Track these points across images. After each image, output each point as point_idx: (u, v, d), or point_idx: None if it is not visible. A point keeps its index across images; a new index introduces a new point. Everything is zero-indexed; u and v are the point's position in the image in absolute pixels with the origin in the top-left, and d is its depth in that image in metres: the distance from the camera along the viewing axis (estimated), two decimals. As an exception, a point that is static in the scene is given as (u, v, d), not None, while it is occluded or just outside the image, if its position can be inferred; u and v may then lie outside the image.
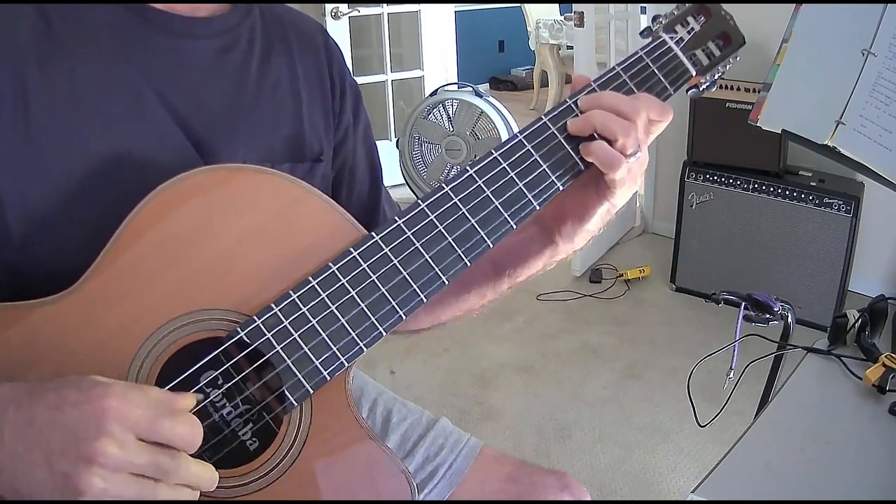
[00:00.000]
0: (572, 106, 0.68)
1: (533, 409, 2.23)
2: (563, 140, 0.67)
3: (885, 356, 0.99)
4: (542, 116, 0.68)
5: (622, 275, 2.96)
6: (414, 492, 0.65)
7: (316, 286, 0.61)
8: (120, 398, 0.50)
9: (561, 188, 0.67)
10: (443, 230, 0.64)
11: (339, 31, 3.56)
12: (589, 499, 0.91)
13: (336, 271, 0.62)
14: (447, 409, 2.21)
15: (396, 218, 0.64)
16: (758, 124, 1.13)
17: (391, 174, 3.74)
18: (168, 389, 0.58)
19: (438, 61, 4.05)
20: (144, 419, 0.50)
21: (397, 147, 3.67)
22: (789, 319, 1.27)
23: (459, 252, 0.64)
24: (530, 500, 0.88)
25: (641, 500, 1.87)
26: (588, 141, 0.66)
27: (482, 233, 0.65)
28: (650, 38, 0.73)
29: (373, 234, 0.63)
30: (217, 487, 0.55)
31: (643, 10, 3.23)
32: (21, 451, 0.49)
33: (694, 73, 0.73)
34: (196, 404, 0.57)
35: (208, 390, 0.60)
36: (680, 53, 0.73)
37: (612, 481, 1.93)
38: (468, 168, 0.66)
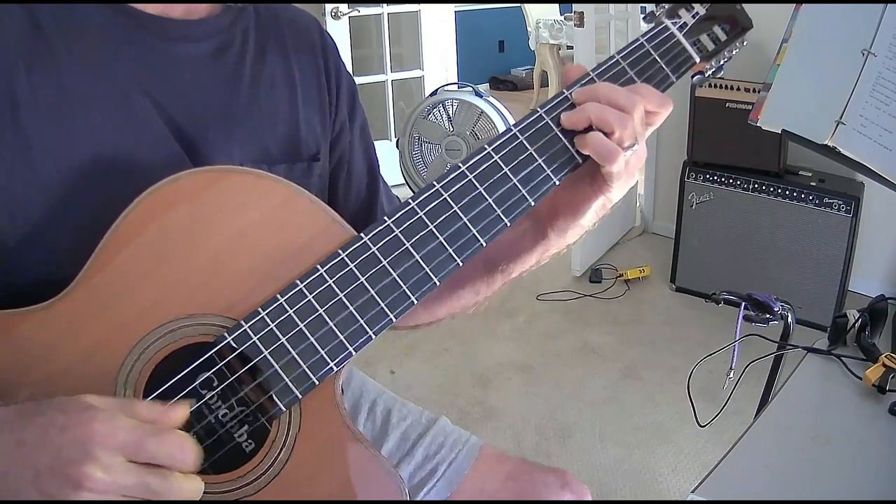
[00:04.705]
0: (569, 97, 0.65)
1: (533, 409, 2.23)
2: (559, 133, 0.65)
3: (885, 356, 0.99)
4: (538, 108, 0.65)
5: (622, 275, 2.96)
6: (405, 497, 0.64)
7: (303, 289, 0.60)
8: (106, 422, 0.49)
9: (557, 183, 0.65)
10: (433, 229, 0.62)
11: (339, 31, 3.56)
12: (590, 498, 0.91)
13: (324, 273, 0.60)
14: (447, 408, 2.21)
15: (386, 217, 0.62)
16: (758, 124, 1.13)
17: (391, 174, 3.74)
18: (161, 391, 0.58)
19: (438, 61, 4.05)
20: (131, 441, 0.49)
21: (397, 147, 3.67)
22: (789, 319, 1.27)
23: (451, 251, 0.62)
24: (531, 500, 0.88)
25: (641, 500, 1.87)
26: (583, 133, 0.64)
27: (474, 231, 0.63)
28: (652, 24, 0.70)
29: (361, 234, 0.62)
30: (205, 493, 0.54)
31: (643, 10, 3.23)
32: (10, 472, 0.49)
33: (698, 60, 0.70)
34: (188, 411, 0.55)
35: (203, 391, 0.59)
36: (683, 39, 0.69)
37: (612, 481, 1.93)
38: (460, 164, 0.63)
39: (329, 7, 3.54)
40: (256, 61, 0.75)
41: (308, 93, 0.79)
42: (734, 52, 0.73)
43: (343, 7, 3.59)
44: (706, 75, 0.73)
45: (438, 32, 4.04)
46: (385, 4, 3.80)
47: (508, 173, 0.64)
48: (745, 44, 0.73)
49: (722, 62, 0.73)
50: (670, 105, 0.66)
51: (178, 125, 0.68)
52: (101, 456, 0.48)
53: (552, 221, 0.72)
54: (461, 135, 3.49)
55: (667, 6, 0.70)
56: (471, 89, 3.52)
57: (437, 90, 3.57)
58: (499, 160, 0.64)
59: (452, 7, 4.24)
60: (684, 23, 0.70)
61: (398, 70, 4.00)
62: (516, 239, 0.74)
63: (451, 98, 3.51)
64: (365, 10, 3.72)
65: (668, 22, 0.69)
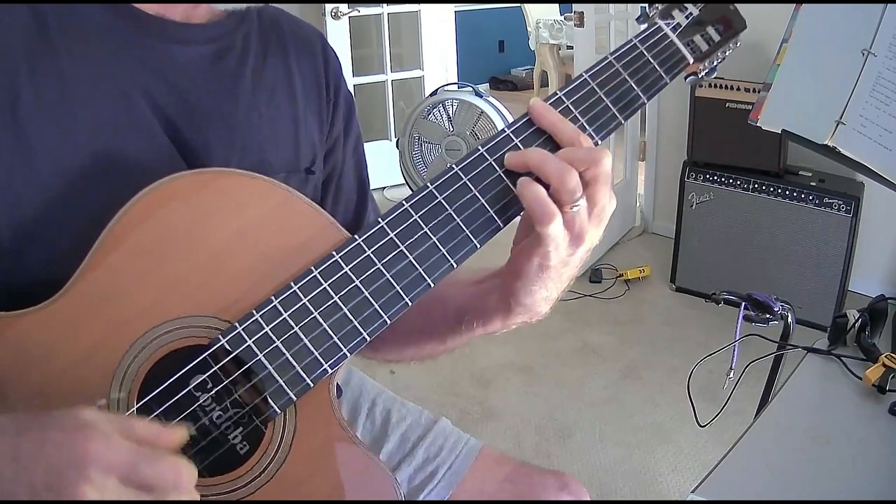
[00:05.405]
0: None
1: (533, 409, 2.23)
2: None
3: (885, 356, 0.99)
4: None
5: (622, 275, 2.96)
6: (401, 498, 0.64)
7: (297, 291, 0.60)
8: (101, 442, 0.48)
9: None
10: (427, 231, 0.62)
11: (339, 31, 3.56)
12: (588, 498, 0.91)
13: (318, 275, 0.60)
14: (447, 409, 2.21)
15: (380, 219, 0.62)
16: (758, 124, 1.13)
17: (391, 174, 3.74)
18: (155, 394, 0.57)
19: (438, 61, 4.05)
20: (125, 464, 0.49)
21: (397, 147, 3.66)
22: (789, 319, 1.27)
23: (444, 252, 0.62)
24: (530, 501, 0.88)
25: (641, 500, 1.87)
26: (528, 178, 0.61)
27: (467, 231, 0.62)
28: (646, 25, 0.70)
29: (356, 236, 0.62)
30: (203, 495, 0.54)
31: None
32: (5, 483, 0.48)
33: (691, 61, 0.70)
34: (187, 435, 0.54)
35: (197, 394, 0.59)
36: (676, 40, 0.69)
37: (612, 481, 1.93)
38: (453, 165, 0.63)
39: (329, 7, 3.54)
40: (257, 67, 0.74)
41: (308, 102, 0.78)
42: (727, 53, 0.73)
43: (343, 7, 3.59)
44: (699, 76, 0.73)
45: (438, 32, 4.03)
46: (385, 4, 3.80)
47: (503, 175, 0.63)
48: (738, 44, 0.73)
49: (715, 63, 0.73)
50: (602, 157, 0.61)
51: (176, 128, 0.67)
52: (95, 477, 0.47)
53: (510, 284, 0.68)
54: (461, 135, 3.49)
55: (660, 7, 0.70)
56: (471, 89, 3.52)
57: (437, 90, 3.57)
58: (493, 163, 0.63)
59: (452, 7, 4.24)
60: (678, 23, 0.69)
61: (398, 70, 3.99)
62: (483, 296, 0.72)
63: (451, 98, 3.51)
64: (365, 10, 3.72)
65: (661, 23, 0.69)
